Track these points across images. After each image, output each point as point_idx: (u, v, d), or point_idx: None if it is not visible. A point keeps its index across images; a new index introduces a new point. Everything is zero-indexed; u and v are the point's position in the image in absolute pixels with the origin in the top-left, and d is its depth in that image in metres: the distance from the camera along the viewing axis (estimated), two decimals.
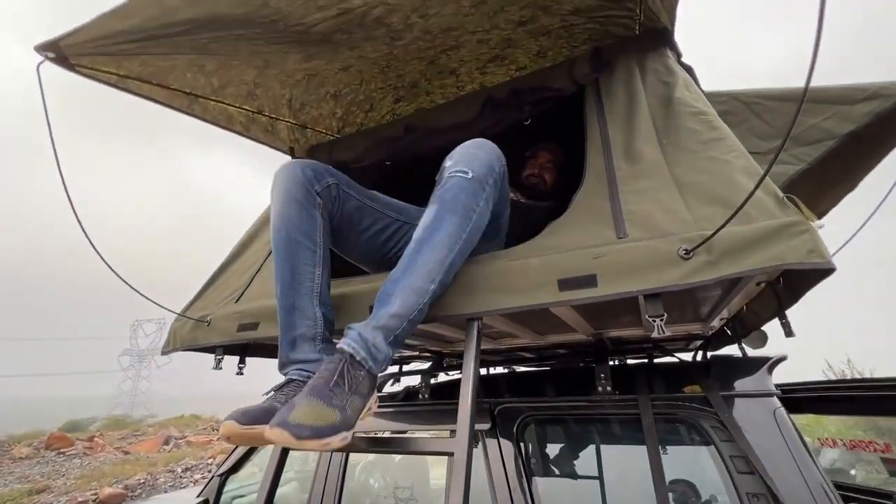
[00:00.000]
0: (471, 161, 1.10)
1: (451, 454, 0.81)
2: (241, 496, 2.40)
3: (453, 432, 0.88)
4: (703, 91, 1.35)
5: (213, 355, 1.45)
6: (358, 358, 0.92)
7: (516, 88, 1.53)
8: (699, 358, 2.18)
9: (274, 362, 1.15)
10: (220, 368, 1.38)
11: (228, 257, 1.64)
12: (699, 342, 2.26)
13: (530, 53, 1.68)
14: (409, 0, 1.25)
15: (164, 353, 1.36)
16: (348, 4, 1.21)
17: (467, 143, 1.17)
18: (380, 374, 1.01)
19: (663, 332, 0.81)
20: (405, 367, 2.50)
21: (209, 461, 9.02)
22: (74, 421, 20.27)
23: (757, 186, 0.72)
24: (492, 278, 1.00)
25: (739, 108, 1.56)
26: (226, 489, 2.27)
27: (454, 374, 2.44)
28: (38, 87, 1.11)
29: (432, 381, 2.08)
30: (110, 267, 1.22)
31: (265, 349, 1.63)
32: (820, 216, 2.06)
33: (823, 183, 1.73)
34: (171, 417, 20.03)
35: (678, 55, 1.36)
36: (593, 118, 1.23)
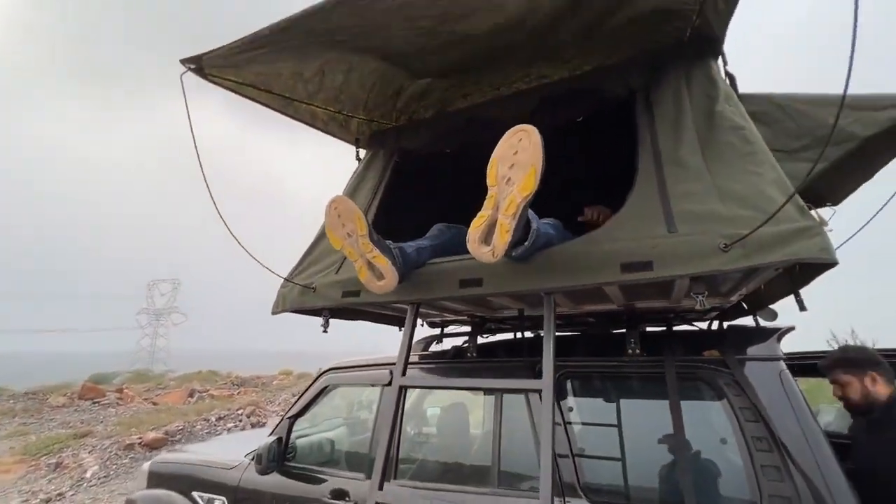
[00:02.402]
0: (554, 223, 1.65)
1: (539, 391, 1.09)
2: (306, 436, 2.77)
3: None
4: (739, 95, 1.53)
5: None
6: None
7: (572, 89, 1.72)
8: (714, 327, 2.45)
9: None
10: (327, 332, 1.67)
11: (320, 232, 1.89)
12: (714, 313, 2.52)
13: (579, 51, 1.82)
14: (485, 24, 1.43)
15: (273, 313, 1.64)
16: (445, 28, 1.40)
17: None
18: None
19: (705, 306, 1.07)
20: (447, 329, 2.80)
21: (238, 412, 9.68)
22: (99, 374, 21.21)
23: (787, 201, 0.95)
24: (566, 261, 1.25)
25: (774, 109, 1.75)
26: (294, 429, 2.62)
27: (491, 337, 2.73)
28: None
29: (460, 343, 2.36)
30: (238, 240, 1.48)
31: (362, 313, 1.91)
32: (838, 202, 2.27)
33: (844, 174, 1.93)
34: (191, 373, 20.92)
35: (724, 62, 1.53)
36: (644, 125, 1.43)
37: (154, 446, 7.42)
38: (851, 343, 6.69)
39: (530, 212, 1.24)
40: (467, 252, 1.30)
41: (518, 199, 1.11)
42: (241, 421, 9.12)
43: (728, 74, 1.51)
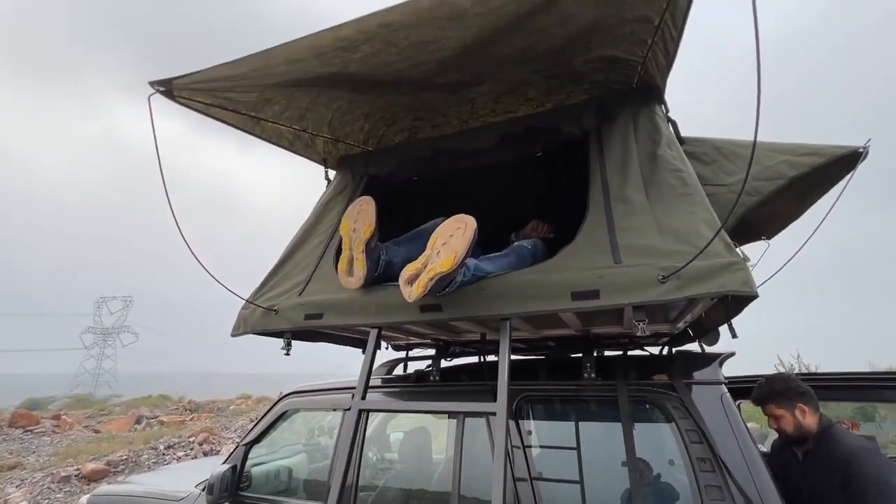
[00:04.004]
0: (532, 243, 1.94)
1: (493, 414, 1.14)
2: (262, 464, 2.68)
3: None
4: (682, 139, 1.69)
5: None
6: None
7: (532, 126, 1.83)
8: (665, 352, 2.58)
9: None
10: (289, 354, 1.67)
11: (285, 254, 1.91)
12: (665, 339, 2.66)
13: (539, 90, 1.97)
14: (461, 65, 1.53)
15: (233, 335, 1.62)
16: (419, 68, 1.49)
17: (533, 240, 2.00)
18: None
19: (645, 332, 1.15)
20: (412, 353, 2.81)
21: (190, 439, 9.13)
22: (34, 399, 19.61)
23: (714, 237, 1.07)
24: (522, 288, 1.32)
25: (713, 151, 1.96)
26: (250, 456, 2.53)
27: (455, 361, 2.76)
28: None
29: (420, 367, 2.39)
30: (207, 269, 1.47)
31: (325, 336, 1.90)
32: (772, 235, 2.51)
33: (775, 213, 2.15)
34: (139, 397, 19.67)
35: (666, 110, 1.69)
36: (595, 163, 1.55)
37: (93, 478, 6.87)
38: (798, 368, 7.10)
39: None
40: None
41: (436, 270, 1.38)
42: (192, 449, 8.60)
43: (671, 121, 1.66)
